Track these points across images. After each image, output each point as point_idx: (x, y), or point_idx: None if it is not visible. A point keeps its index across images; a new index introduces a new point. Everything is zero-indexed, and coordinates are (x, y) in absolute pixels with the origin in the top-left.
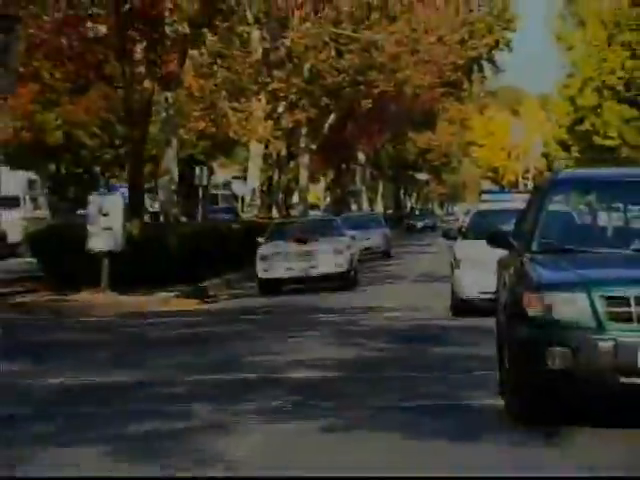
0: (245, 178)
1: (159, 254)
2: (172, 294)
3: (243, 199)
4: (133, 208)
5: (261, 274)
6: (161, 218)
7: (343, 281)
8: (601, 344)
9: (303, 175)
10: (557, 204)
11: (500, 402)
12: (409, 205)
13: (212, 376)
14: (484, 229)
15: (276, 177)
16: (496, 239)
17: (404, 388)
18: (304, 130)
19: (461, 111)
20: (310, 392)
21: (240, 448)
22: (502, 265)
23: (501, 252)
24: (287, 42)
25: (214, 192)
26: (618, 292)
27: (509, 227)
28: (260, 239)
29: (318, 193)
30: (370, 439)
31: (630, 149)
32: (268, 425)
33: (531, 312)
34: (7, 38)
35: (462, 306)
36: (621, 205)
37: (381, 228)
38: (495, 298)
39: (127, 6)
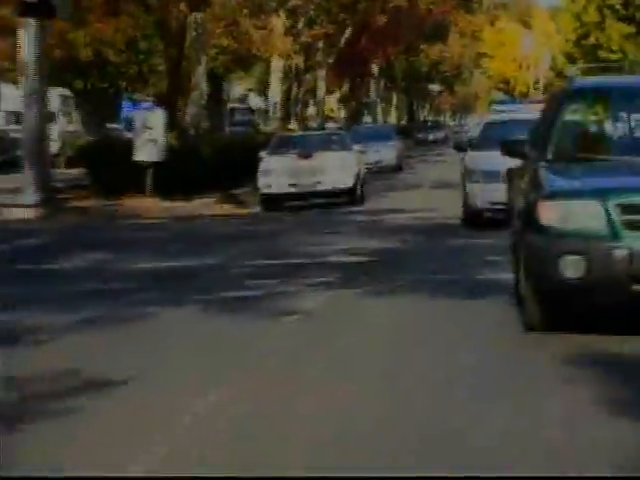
0: (260, 92)
1: (194, 164)
2: (212, 199)
3: (260, 112)
4: (170, 122)
5: (263, 189)
6: (191, 131)
7: (349, 198)
8: (616, 252)
9: (321, 88)
10: (572, 112)
11: (503, 276)
12: (422, 116)
13: (270, 261)
14: (494, 140)
15: (294, 90)
16: (510, 148)
17: (425, 268)
18: (321, 44)
19: (472, 23)
20: (349, 271)
21: (308, 305)
22: (515, 174)
23: (512, 163)
24: None
25: (231, 106)
26: (633, 200)
27: (520, 138)
28: (262, 153)
29: (333, 105)
30: (398, 299)
31: (631, 63)
32: (323, 292)
33: (545, 220)
34: None
35: (473, 217)
36: (637, 113)
37: (392, 141)
38: (506, 208)
39: None
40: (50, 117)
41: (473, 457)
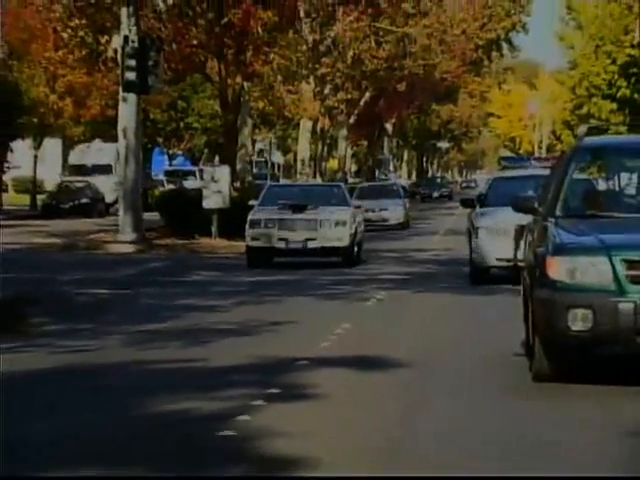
0: (279, 147)
1: (248, 211)
2: None
3: (279, 166)
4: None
5: (250, 242)
6: (237, 183)
7: (344, 257)
8: (621, 305)
9: (342, 146)
10: (581, 170)
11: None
12: (431, 172)
13: (338, 277)
14: (502, 196)
15: (319, 148)
16: (520, 204)
17: (446, 280)
18: (343, 107)
19: (481, 85)
20: (396, 284)
21: (376, 296)
22: (528, 230)
23: (520, 219)
24: (333, 34)
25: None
26: (638, 256)
27: (529, 194)
28: (253, 202)
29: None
30: (434, 294)
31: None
32: (383, 291)
33: (553, 275)
34: (157, 56)
35: (480, 274)
36: None
37: (399, 198)
38: (514, 265)
39: (224, 20)
40: (108, 169)
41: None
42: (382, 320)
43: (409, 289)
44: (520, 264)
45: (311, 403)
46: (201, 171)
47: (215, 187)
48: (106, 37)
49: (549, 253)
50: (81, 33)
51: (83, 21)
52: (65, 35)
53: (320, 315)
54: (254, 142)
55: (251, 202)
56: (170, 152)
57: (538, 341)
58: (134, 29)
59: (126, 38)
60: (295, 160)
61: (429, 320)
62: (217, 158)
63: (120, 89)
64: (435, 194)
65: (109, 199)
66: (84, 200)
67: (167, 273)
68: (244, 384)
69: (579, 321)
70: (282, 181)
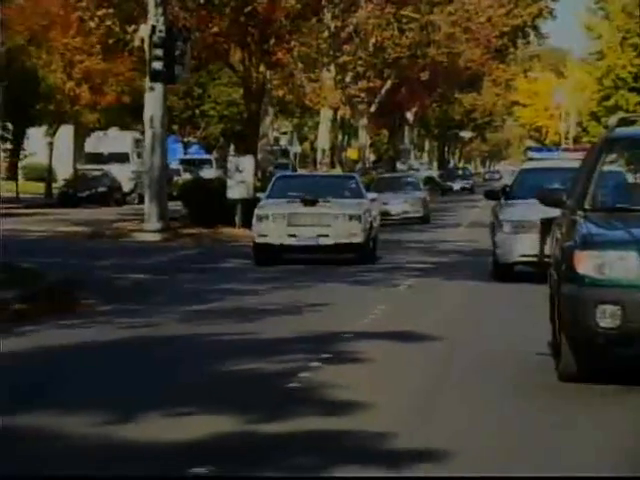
0: (292, 133)
1: None
2: None
3: (296, 155)
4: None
5: (257, 238)
6: (258, 174)
7: (358, 254)
8: None
9: (362, 135)
10: (611, 162)
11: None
12: (452, 162)
13: (361, 265)
14: (530, 188)
15: (339, 138)
16: (548, 196)
17: (473, 269)
18: (363, 96)
19: (506, 72)
20: (424, 272)
21: (407, 283)
22: (555, 224)
23: (547, 213)
24: (355, 20)
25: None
26: None
27: (557, 186)
28: (260, 194)
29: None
30: (459, 281)
31: None
32: (413, 278)
33: (581, 270)
34: (184, 46)
35: (504, 271)
36: None
37: (419, 191)
38: (540, 262)
39: (248, 8)
40: (125, 157)
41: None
42: (414, 303)
43: (437, 277)
44: (547, 260)
45: (359, 364)
46: (217, 160)
47: (239, 177)
48: (133, 26)
49: (577, 247)
50: (108, 22)
51: (110, 10)
52: (92, 24)
53: (355, 298)
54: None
55: (259, 194)
56: (185, 140)
57: (564, 339)
58: (162, 19)
59: (153, 28)
60: (312, 149)
61: (458, 304)
62: (232, 147)
63: (147, 78)
64: (456, 187)
65: (126, 188)
66: (101, 189)
67: (198, 260)
68: (299, 351)
69: (607, 318)
70: (299, 171)
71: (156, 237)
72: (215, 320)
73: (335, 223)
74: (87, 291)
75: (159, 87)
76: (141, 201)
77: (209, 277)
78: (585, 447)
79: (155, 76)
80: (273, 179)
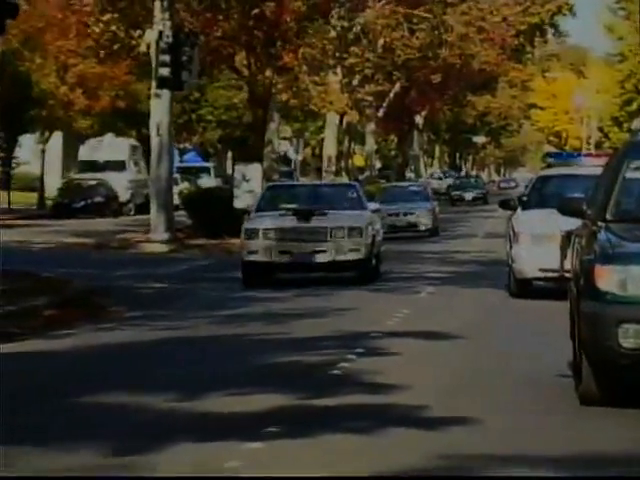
0: (293, 139)
1: None
2: None
3: (296, 163)
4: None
5: (246, 256)
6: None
7: (359, 272)
8: None
9: (370, 141)
10: (635, 169)
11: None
12: (464, 169)
13: (390, 275)
14: (548, 197)
15: (345, 144)
16: (568, 206)
17: (491, 278)
18: (371, 99)
19: (522, 72)
20: (443, 281)
21: (426, 290)
22: (576, 236)
23: (568, 224)
24: (362, 20)
25: None
26: None
27: (578, 195)
28: (248, 206)
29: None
30: (479, 290)
31: None
32: (432, 286)
33: (602, 285)
34: (191, 51)
35: (521, 287)
36: None
37: (428, 202)
38: (560, 277)
39: (255, 10)
40: (121, 165)
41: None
42: (436, 307)
43: (456, 285)
44: (567, 275)
45: (390, 357)
46: (215, 168)
47: (246, 186)
48: (139, 31)
49: (598, 261)
50: (113, 27)
51: (115, 15)
52: (97, 29)
53: (378, 303)
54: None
55: (245, 206)
56: (181, 146)
57: (585, 359)
58: (168, 23)
59: (160, 33)
60: (314, 155)
61: (478, 308)
62: (230, 154)
63: (153, 85)
64: (468, 196)
65: (122, 198)
66: (97, 199)
67: (213, 270)
68: (333, 347)
69: (631, 338)
70: (301, 180)
71: (164, 248)
72: (246, 323)
73: (333, 238)
74: (112, 299)
75: (166, 94)
76: (138, 211)
77: (228, 286)
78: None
79: (162, 83)
80: (263, 189)
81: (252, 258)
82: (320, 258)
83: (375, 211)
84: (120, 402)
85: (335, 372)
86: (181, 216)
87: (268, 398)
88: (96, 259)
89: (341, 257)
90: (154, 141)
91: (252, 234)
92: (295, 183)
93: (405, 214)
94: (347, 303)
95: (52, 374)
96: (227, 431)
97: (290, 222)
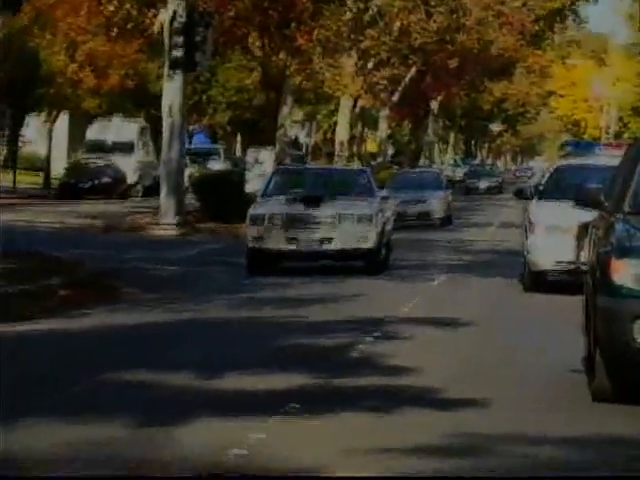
0: (304, 123)
1: None
2: None
3: (307, 147)
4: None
5: (251, 243)
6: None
7: (367, 262)
8: None
9: (383, 127)
10: None
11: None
12: (479, 157)
13: (402, 263)
14: (565, 188)
15: (358, 129)
16: (585, 197)
17: (506, 266)
18: (385, 83)
19: (541, 58)
20: (456, 269)
21: (439, 279)
22: (592, 227)
23: (585, 215)
24: (379, 2)
25: None
26: None
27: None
28: (255, 191)
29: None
30: (490, 278)
31: None
32: (444, 274)
33: (618, 280)
34: (205, 31)
35: (536, 280)
36: None
37: (441, 190)
38: (575, 269)
39: None
40: (129, 147)
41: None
42: (449, 295)
43: (470, 273)
44: (583, 268)
45: (406, 341)
46: (226, 150)
47: (259, 170)
48: (152, 11)
49: (614, 254)
50: (127, 6)
51: None
52: (111, 7)
53: (392, 291)
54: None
55: (257, 190)
56: (190, 128)
57: (599, 355)
58: (182, 3)
59: (174, 13)
60: (325, 139)
61: (492, 296)
62: (239, 137)
63: (165, 66)
64: (482, 186)
65: (130, 180)
66: (105, 180)
67: (224, 254)
68: (350, 330)
69: None
70: (312, 164)
71: (174, 232)
72: (260, 307)
73: (342, 226)
74: (124, 281)
75: (179, 75)
76: (145, 194)
77: (239, 270)
78: None
79: (175, 64)
80: (270, 173)
81: (257, 245)
82: (328, 246)
83: (384, 198)
84: (142, 379)
85: (353, 354)
86: (191, 199)
87: (288, 378)
88: (105, 241)
89: (349, 246)
90: (166, 123)
91: (257, 220)
92: (303, 167)
93: (417, 202)
94: (359, 290)
95: (73, 352)
96: (249, 407)
97: (297, 208)
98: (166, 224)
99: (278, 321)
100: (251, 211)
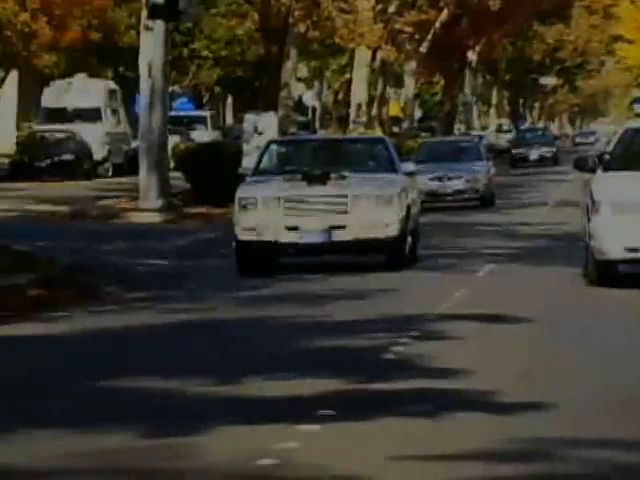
0: (311, 84)
1: None
2: None
3: (314, 112)
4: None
5: (241, 234)
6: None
7: (391, 255)
8: None
9: (409, 85)
10: None
11: None
12: (529, 120)
13: (429, 250)
14: (637, 156)
15: (379, 88)
16: None
17: (563, 254)
18: (412, 31)
19: None
20: (505, 258)
21: (486, 269)
22: None
23: None
24: None
25: None
26: None
27: None
28: (244, 169)
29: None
30: (545, 267)
31: None
32: (490, 264)
33: None
34: None
35: (602, 272)
36: None
37: (480, 162)
38: None
39: None
40: (95, 115)
41: None
42: (497, 289)
43: (522, 263)
44: None
45: (449, 341)
46: (213, 117)
47: (258, 141)
48: None
49: None
50: None
51: None
52: None
53: (427, 284)
54: None
55: (242, 169)
56: (169, 90)
57: None
58: None
59: None
60: (336, 102)
61: (548, 292)
62: (230, 98)
63: (143, 15)
64: (534, 155)
65: (98, 156)
66: (67, 157)
67: (220, 245)
68: (383, 330)
69: None
70: (320, 132)
71: (157, 218)
72: (274, 305)
73: (355, 209)
74: (105, 278)
75: (159, 25)
76: (116, 173)
77: None
78: None
79: (155, 12)
80: (263, 145)
81: (248, 237)
82: (338, 236)
83: (411, 174)
84: (147, 386)
85: (389, 356)
86: (176, 179)
87: (316, 382)
88: (75, 231)
89: (365, 235)
90: (144, 84)
91: (248, 205)
92: (305, 137)
93: (450, 178)
94: (390, 284)
95: (56, 359)
96: (276, 414)
97: (299, 188)
98: (148, 209)
99: (299, 321)
100: (240, 193)
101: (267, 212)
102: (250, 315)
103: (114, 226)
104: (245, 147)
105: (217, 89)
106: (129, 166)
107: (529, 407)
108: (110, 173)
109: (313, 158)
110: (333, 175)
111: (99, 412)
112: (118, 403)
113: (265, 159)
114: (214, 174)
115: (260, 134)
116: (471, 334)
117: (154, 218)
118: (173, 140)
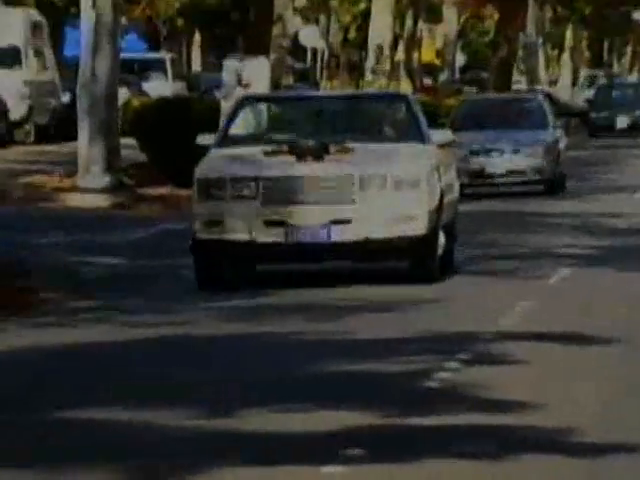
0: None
1: None
2: None
3: (315, 56)
4: None
5: (201, 230)
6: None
7: (416, 260)
8: None
9: (450, 20)
10: None
11: None
12: (616, 69)
13: (483, 249)
14: None
15: (408, 24)
16: None
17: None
18: None
19: None
20: (583, 260)
21: (560, 274)
22: None
23: None
24: None
25: None
26: None
27: None
28: (203, 138)
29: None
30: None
31: None
32: (567, 267)
33: None
34: None
35: None
36: None
37: (545, 130)
38: None
39: None
40: (12, 57)
41: None
42: (573, 300)
43: (602, 267)
44: None
45: (510, 366)
46: (175, 62)
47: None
48: None
49: None
50: None
51: None
52: None
53: (480, 293)
54: None
55: (201, 138)
56: None
57: None
58: None
59: None
60: (345, 41)
61: (638, 301)
62: (198, 36)
63: None
64: (622, 121)
65: (15, 115)
66: None
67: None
68: (423, 352)
69: None
70: (324, 86)
71: (103, 201)
72: (276, 318)
73: (365, 196)
74: (42, 280)
75: None
76: (40, 138)
77: None
78: None
79: None
80: (234, 103)
81: (211, 235)
82: (341, 235)
83: (447, 145)
84: (119, 419)
85: (431, 384)
86: (127, 147)
87: (338, 415)
88: None
89: (380, 233)
90: (86, 17)
91: (212, 188)
92: (296, 93)
93: (503, 152)
94: (430, 292)
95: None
96: (293, 453)
97: (285, 166)
98: (90, 189)
99: (310, 338)
100: (200, 172)
101: (239, 200)
102: (239, 331)
103: (45, 211)
104: (223, 105)
105: (179, 22)
106: (57, 129)
107: (611, 449)
108: (32, 138)
109: (306, 123)
110: (333, 147)
111: (60, 452)
112: (78, 439)
113: (237, 123)
114: (179, 142)
115: (245, 87)
116: (538, 357)
117: (99, 201)
118: (122, 94)
